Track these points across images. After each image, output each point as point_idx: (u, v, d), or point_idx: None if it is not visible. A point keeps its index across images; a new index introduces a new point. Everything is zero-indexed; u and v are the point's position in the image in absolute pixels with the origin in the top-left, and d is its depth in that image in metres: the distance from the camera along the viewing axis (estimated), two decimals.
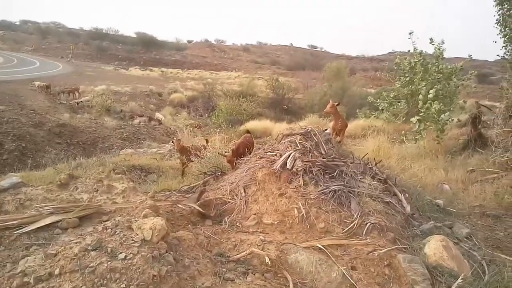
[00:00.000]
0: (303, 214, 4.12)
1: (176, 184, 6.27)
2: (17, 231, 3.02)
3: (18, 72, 29.68)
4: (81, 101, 21.61)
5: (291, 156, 4.89)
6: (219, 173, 6.10)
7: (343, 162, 5.20)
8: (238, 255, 3.48)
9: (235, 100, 22.41)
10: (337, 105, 7.84)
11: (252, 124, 16.86)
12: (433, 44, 12.49)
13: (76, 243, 2.80)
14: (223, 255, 3.51)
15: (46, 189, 3.80)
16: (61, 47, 78.10)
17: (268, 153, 5.33)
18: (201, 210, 4.37)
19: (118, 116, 20.72)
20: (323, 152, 5.27)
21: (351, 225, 4.02)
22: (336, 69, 31.10)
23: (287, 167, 4.76)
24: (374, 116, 15.48)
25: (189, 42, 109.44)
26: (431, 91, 10.13)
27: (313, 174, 4.72)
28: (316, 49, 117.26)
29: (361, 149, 8.31)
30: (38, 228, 3.10)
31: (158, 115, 22.98)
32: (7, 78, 23.93)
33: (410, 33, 13.06)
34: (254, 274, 3.24)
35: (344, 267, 3.46)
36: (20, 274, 2.47)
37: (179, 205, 4.39)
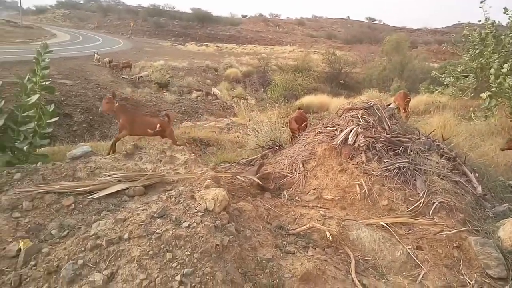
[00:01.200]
0: (365, 191, 4.01)
1: (235, 157, 6.34)
2: (89, 197, 3.18)
3: (84, 49, 31.18)
4: (141, 76, 22.33)
5: (352, 131, 4.74)
6: (277, 147, 6.06)
7: (408, 138, 4.95)
8: (298, 229, 3.45)
9: (290, 75, 22.09)
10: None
11: (308, 99, 16.60)
12: (507, 14, 11.38)
13: (142, 210, 2.90)
14: (283, 228, 3.50)
15: (114, 159, 3.97)
16: (121, 24, 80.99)
17: (328, 128, 5.20)
18: (261, 183, 4.38)
19: (177, 90, 21.19)
20: (386, 127, 5.04)
21: (417, 203, 3.86)
22: (396, 43, 29.72)
23: (349, 142, 4.63)
24: (439, 92, 14.61)
25: (244, 17, 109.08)
26: (505, 65, 9.31)
27: (376, 150, 4.55)
28: (375, 22, 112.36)
29: (425, 126, 7.89)
30: (107, 194, 3.25)
31: (215, 90, 23.25)
32: (74, 55, 25.24)
33: (481, 2, 12.00)
34: (315, 249, 3.20)
35: (409, 247, 3.33)
36: (93, 236, 2.60)
37: (238, 177, 4.43)
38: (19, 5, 74.73)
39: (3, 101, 4.18)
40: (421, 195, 3.93)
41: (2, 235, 2.70)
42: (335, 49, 39.05)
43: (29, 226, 2.83)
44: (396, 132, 4.97)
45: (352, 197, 4.03)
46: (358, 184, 4.09)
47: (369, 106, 5.36)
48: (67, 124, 12.20)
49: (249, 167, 5.14)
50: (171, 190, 3.30)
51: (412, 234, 3.52)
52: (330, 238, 3.28)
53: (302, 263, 2.86)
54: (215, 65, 33.01)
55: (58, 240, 2.73)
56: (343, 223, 3.57)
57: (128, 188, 3.31)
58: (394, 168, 4.20)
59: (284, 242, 3.23)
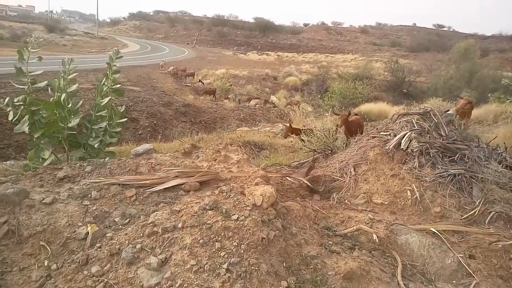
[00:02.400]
0: (416, 197, 3.95)
1: (286, 160, 6.46)
2: (149, 190, 3.46)
3: (151, 58, 32.97)
4: (203, 83, 23.21)
5: (406, 136, 4.67)
6: (329, 151, 6.09)
7: (466, 145, 4.77)
8: (345, 230, 3.49)
9: (350, 83, 21.84)
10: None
11: (367, 107, 16.35)
12: None
13: (196, 203, 3.11)
14: (330, 229, 3.56)
15: (173, 156, 4.26)
16: (187, 34, 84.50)
17: (381, 133, 5.16)
18: (310, 185, 4.46)
19: (236, 98, 21.77)
20: (443, 133, 4.90)
21: (472, 212, 3.73)
22: (464, 50, 28.20)
23: (402, 147, 4.57)
24: (510, 102, 13.70)
25: (305, 25, 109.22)
26: None
27: (430, 156, 4.45)
28: (443, 29, 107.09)
29: (489, 136, 7.50)
30: (165, 188, 3.50)
31: (273, 97, 23.58)
32: (142, 63, 26.78)
33: None
34: (361, 250, 3.22)
35: (461, 255, 3.24)
36: (150, 224, 2.84)
37: (288, 178, 4.54)
38: (96, 18, 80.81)
39: (81, 102, 4.66)
40: (477, 203, 3.80)
41: (74, 220, 3.03)
42: (398, 57, 38.00)
43: (96, 213, 3.14)
44: (453, 139, 4.82)
45: (403, 202, 3.99)
46: (410, 189, 4.04)
47: (425, 111, 5.24)
48: (134, 128, 13.02)
49: (299, 169, 5.23)
50: (223, 186, 3.49)
51: (464, 243, 3.41)
52: (377, 241, 3.29)
53: (347, 262, 2.91)
54: (274, 73, 33.44)
55: (120, 226, 3.00)
56: (391, 227, 3.54)
57: (184, 183, 3.53)
58: (449, 175, 4.09)
59: (330, 242, 3.29)
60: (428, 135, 4.81)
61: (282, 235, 2.97)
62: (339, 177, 4.74)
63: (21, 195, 3.12)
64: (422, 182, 4.09)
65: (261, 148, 8.29)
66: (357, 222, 3.62)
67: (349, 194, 4.41)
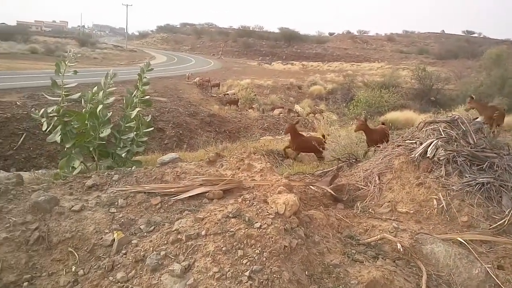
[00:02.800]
0: (443, 206, 3.87)
1: (310, 169, 6.45)
2: (174, 198, 3.53)
3: (178, 69, 33.62)
4: (228, 94, 23.46)
5: (432, 144, 4.59)
6: (353, 160, 6.04)
7: (495, 153, 4.64)
8: (369, 239, 3.45)
9: (376, 91, 21.57)
10: None
11: (393, 115, 16.11)
12: None
13: (219, 210, 3.15)
14: (353, 238, 3.52)
15: (198, 165, 4.33)
16: (213, 45, 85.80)
17: (407, 141, 5.08)
18: (333, 193, 4.43)
19: (260, 107, 21.88)
20: (471, 141, 4.78)
21: (501, 221, 3.62)
22: (496, 56, 27.38)
23: (428, 155, 4.49)
24: None
25: (331, 34, 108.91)
26: None
27: (457, 165, 4.35)
28: (473, 35, 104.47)
29: None
30: (190, 196, 3.56)
31: (297, 107, 23.57)
32: (169, 74, 27.34)
33: None
34: (385, 259, 3.18)
35: (489, 265, 3.15)
36: (175, 231, 2.90)
37: (311, 187, 4.53)
38: (125, 31, 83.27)
39: (110, 113, 4.83)
40: (506, 212, 3.68)
41: (101, 227, 3.12)
42: (426, 65, 37.32)
43: (122, 220, 3.22)
44: (481, 147, 4.69)
45: (429, 212, 3.91)
46: (436, 198, 3.96)
47: (453, 119, 5.12)
48: (160, 137, 13.27)
49: (323, 178, 5.21)
50: (246, 194, 3.52)
51: (493, 253, 3.31)
52: (402, 250, 3.23)
53: (370, 271, 2.87)
54: (299, 83, 33.48)
55: (145, 233, 3.07)
56: (416, 236, 3.48)
57: (208, 192, 3.59)
58: (477, 184, 3.99)
59: (353, 251, 3.25)
60: (455, 143, 4.70)
61: (304, 244, 2.97)
62: (364, 186, 4.70)
63: (52, 203, 3.24)
64: (449, 191, 4.00)
65: (284, 157, 8.31)
66: (381, 231, 3.57)
67: (373, 203, 4.35)
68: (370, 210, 4.21)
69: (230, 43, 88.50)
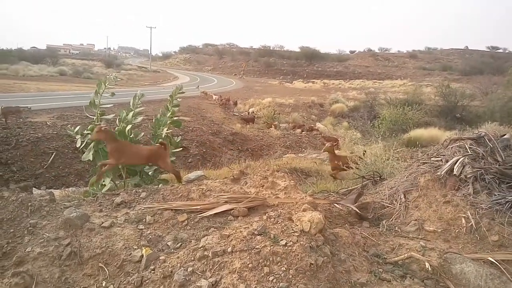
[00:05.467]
0: (472, 224, 3.78)
1: (334, 187, 6.42)
2: (200, 215, 3.59)
3: (201, 89, 34.09)
4: (249, 112, 23.67)
5: (459, 162, 4.52)
6: (378, 178, 5.99)
7: None
8: (396, 258, 3.41)
9: (399, 109, 21.34)
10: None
11: (417, 133, 15.86)
12: None
13: (245, 228, 3.19)
14: (379, 256, 3.48)
15: (222, 182, 4.40)
16: (234, 65, 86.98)
17: (432, 159, 5.02)
18: (359, 212, 4.40)
19: (283, 126, 21.95)
20: (499, 159, 4.68)
21: None
22: None
23: (454, 173, 4.42)
24: None
25: (352, 52, 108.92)
26: None
27: (485, 182, 4.25)
28: (498, 51, 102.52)
29: None
30: (215, 213, 3.62)
31: (319, 125, 23.53)
32: (192, 94, 27.77)
33: None
34: (413, 279, 3.13)
35: None
36: (201, 248, 2.95)
37: (336, 205, 4.52)
38: (149, 52, 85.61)
39: (142, 134, 4.99)
40: None
41: (130, 243, 3.20)
42: (450, 81, 36.70)
43: (150, 236, 3.30)
44: (510, 164, 4.58)
45: (457, 230, 3.82)
46: (464, 217, 3.88)
47: (479, 136, 5.04)
48: (184, 156, 13.44)
49: (348, 196, 5.18)
50: (271, 212, 3.54)
51: None
52: (430, 270, 3.18)
53: None
54: (321, 100, 33.48)
55: (172, 250, 3.13)
56: (445, 255, 3.41)
57: (233, 209, 3.63)
58: (507, 202, 3.89)
59: (380, 270, 3.22)
60: (482, 161, 4.61)
61: (330, 261, 2.96)
62: (389, 204, 4.65)
63: (83, 219, 3.36)
64: (477, 209, 3.91)
65: (308, 175, 8.29)
66: (408, 250, 3.52)
67: (399, 221, 4.30)
68: (396, 228, 4.16)
69: (251, 63, 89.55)
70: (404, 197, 4.59)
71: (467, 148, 4.85)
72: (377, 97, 31.82)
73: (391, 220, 4.34)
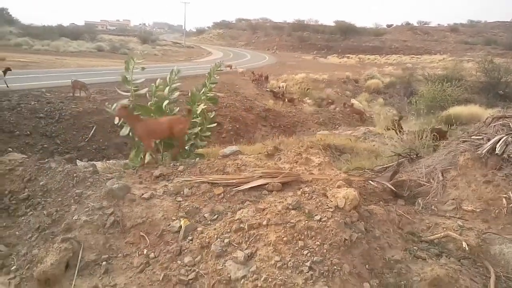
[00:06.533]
0: None
1: (369, 164, 6.35)
2: (235, 189, 3.67)
3: (236, 64, 34.02)
4: (280, 87, 23.47)
5: (501, 140, 4.36)
6: (415, 156, 5.86)
7: None
8: (432, 237, 3.39)
9: (437, 85, 20.57)
10: None
11: (456, 110, 15.31)
12: None
13: (279, 202, 3.25)
14: (415, 234, 3.47)
15: (257, 158, 4.45)
16: (268, 40, 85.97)
17: (472, 137, 4.86)
18: (394, 189, 4.37)
19: (316, 102, 21.72)
20: None
21: None
22: None
23: (496, 152, 4.27)
24: None
25: (389, 26, 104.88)
26: None
27: None
28: None
29: None
30: (250, 187, 3.68)
31: (354, 101, 23.12)
32: (225, 70, 27.80)
33: None
34: (449, 258, 3.10)
35: None
36: (237, 221, 3.03)
37: (371, 182, 4.49)
38: (183, 28, 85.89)
39: (177, 109, 5.08)
40: None
41: (169, 214, 3.33)
42: (494, 56, 34.91)
43: (188, 208, 3.41)
44: None
45: (497, 211, 3.73)
46: (506, 197, 3.77)
47: None
48: (218, 131, 13.61)
49: (383, 173, 5.13)
50: (305, 187, 3.57)
51: None
52: (467, 249, 3.14)
53: (433, 269, 2.82)
54: (355, 76, 32.75)
55: (209, 222, 3.24)
56: (483, 236, 3.35)
57: (267, 184, 3.69)
58: None
59: (415, 248, 3.21)
60: None
61: (364, 238, 2.98)
62: (426, 182, 4.57)
63: (124, 190, 3.50)
64: None
65: (342, 152, 8.22)
66: (444, 229, 3.48)
67: (436, 200, 4.23)
68: (433, 207, 4.10)
69: (284, 38, 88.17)
70: (442, 175, 4.50)
71: (511, 126, 4.67)
72: (415, 72, 30.78)
73: (428, 199, 4.29)
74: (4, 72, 14.30)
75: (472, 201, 3.96)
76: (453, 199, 4.10)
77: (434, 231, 3.53)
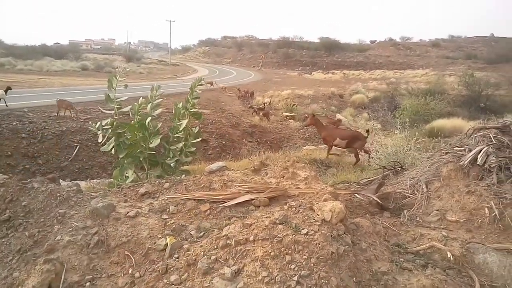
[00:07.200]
0: (495, 214, 3.74)
1: (355, 177, 6.40)
2: (222, 205, 3.65)
3: (219, 82, 34.20)
4: (265, 103, 23.62)
5: (483, 151, 4.45)
6: (399, 168, 5.94)
7: None
8: (417, 248, 3.41)
9: (421, 99, 20.98)
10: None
11: (439, 123, 15.61)
12: None
13: (266, 217, 3.24)
14: (401, 246, 3.49)
15: (243, 173, 4.46)
16: (253, 57, 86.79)
17: (455, 148, 4.95)
18: (380, 202, 4.40)
19: (301, 117, 21.86)
20: None
21: None
22: None
23: (478, 163, 4.36)
24: None
25: (372, 42, 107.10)
26: None
27: (510, 172, 4.19)
28: None
29: None
30: (237, 203, 3.67)
31: (339, 116, 23.36)
32: (207, 87, 27.91)
33: None
34: (434, 268, 3.12)
35: None
36: (224, 237, 3.01)
37: (357, 195, 4.52)
38: (169, 46, 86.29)
39: (160, 124, 5.08)
40: None
41: (154, 232, 3.29)
42: (475, 70, 35.86)
43: (174, 226, 3.38)
44: None
45: (480, 220, 3.78)
46: (488, 207, 3.83)
47: (505, 125, 4.94)
48: (204, 148, 13.60)
49: (368, 186, 5.17)
50: (292, 202, 3.58)
51: None
52: (452, 259, 3.17)
53: (419, 280, 2.84)
54: (340, 91, 33.18)
55: (196, 239, 3.21)
56: (467, 245, 3.39)
57: (254, 199, 3.68)
58: None
59: (401, 259, 3.22)
60: (507, 150, 4.53)
61: (351, 250, 2.98)
62: (410, 194, 4.62)
63: (109, 209, 3.46)
64: (501, 199, 3.86)
65: (328, 166, 8.28)
66: (429, 240, 3.51)
67: (421, 211, 4.28)
68: (418, 218, 4.14)
69: (270, 55, 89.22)
70: (426, 187, 4.55)
71: (492, 137, 4.76)
72: (398, 87, 31.35)
73: (413, 210, 4.33)
74: (5, 91, 14.54)
75: (456, 212, 4.01)
76: (437, 210, 4.14)
77: (419, 242, 3.56)
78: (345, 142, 8.00)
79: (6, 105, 14.46)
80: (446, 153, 4.97)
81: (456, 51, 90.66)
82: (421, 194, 4.46)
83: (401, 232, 3.76)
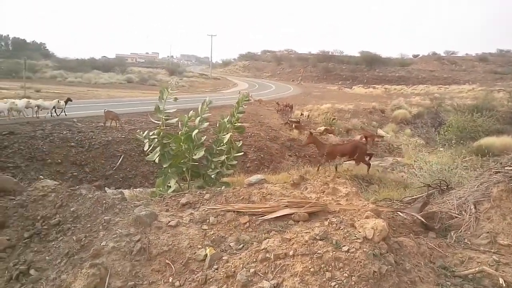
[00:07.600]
0: None
1: (398, 195, 6.21)
2: (261, 218, 3.65)
3: (259, 95, 34.51)
4: (303, 115, 23.50)
5: None
6: (445, 187, 5.70)
7: None
8: (466, 271, 3.24)
9: (467, 116, 20.13)
10: None
11: (488, 141, 14.87)
12: None
13: (306, 232, 3.20)
14: (447, 269, 3.33)
15: (282, 187, 4.44)
16: (292, 71, 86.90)
17: (506, 168, 4.70)
18: (424, 221, 4.23)
19: (341, 132, 21.57)
20: None
21: None
22: None
23: None
24: None
25: (415, 56, 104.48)
26: None
27: None
28: None
29: None
30: (276, 217, 3.66)
31: (380, 131, 22.85)
32: (250, 101, 28.20)
33: None
34: None
35: None
36: (263, 250, 3.00)
37: (400, 214, 4.38)
38: (210, 60, 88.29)
39: (204, 137, 5.19)
40: None
41: (194, 242, 3.33)
42: None
43: (213, 237, 3.41)
44: None
45: None
46: None
47: None
48: (242, 161, 13.67)
49: (412, 205, 4.99)
50: (332, 218, 3.52)
51: None
52: (504, 286, 2.99)
53: None
54: (382, 106, 32.50)
55: (235, 251, 3.22)
56: None
57: (294, 213, 3.65)
58: None
59: (448, 283, 3.07)
60: None
61: (394, 271, 2.88)
62: (458, 215, 4.42)
63: (152, 217, 3.54)
64: None
65: (370, 183, 8.11)
66: (479, 264, 3.33)
67: (469, 233, 4.07)
68: (466, 240, 3.94)
69: (309, 69, 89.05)
70: (475, 207, 4.34)
71: None
72: (443, 103, 30.30)
73: (460, 232, 4.13)
74: (66, 102, 16.02)
75: (508, 235, 3.79)
76: (488, 232, 3.93)
77: (467, 265, 3.38)
78: (347, 157, 8.40)
79: (65, 115, 15.77)
80: (496, 172, 4.73)
81: (505, 66, 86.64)
82: (469, 215, 4.25)
83: (447, 254, 3.59)
